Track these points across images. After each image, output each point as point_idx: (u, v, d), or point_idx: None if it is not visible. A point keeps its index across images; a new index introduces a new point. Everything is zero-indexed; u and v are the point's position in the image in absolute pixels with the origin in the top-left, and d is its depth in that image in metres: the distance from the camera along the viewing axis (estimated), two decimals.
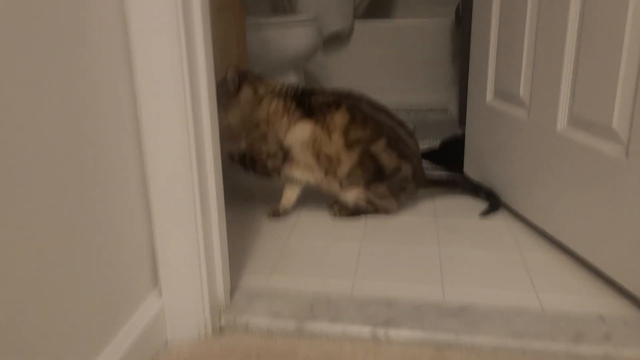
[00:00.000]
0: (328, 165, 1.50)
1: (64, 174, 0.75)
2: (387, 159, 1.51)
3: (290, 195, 1.60)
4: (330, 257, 1.36)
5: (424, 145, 2.15)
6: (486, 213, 1.58)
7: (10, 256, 0.66)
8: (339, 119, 1.47)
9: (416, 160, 1.58)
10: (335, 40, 2.92)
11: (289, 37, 2.29)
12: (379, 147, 1.50)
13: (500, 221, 1.54)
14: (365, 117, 1.49)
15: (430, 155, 2.04)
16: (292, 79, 2.41)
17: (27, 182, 0.68)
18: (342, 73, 2.97)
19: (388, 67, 2.91)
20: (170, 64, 0.90)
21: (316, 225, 1.54)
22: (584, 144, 1.23)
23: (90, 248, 0.82)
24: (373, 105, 1.55)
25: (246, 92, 1.49)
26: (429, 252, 1.37)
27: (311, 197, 1.66)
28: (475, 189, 1.69)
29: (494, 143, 1.64)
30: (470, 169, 1.83)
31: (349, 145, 1.48)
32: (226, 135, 1.48)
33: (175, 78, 0.91)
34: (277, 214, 1.59)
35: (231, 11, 1.76)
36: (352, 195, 1.54)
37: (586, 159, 1.22)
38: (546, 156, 1.38)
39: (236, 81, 1.48)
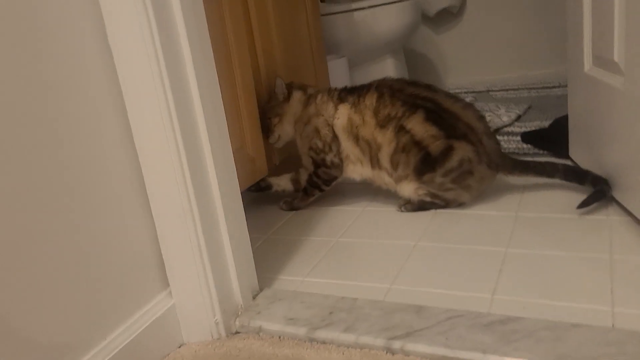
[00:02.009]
0: (369, 151, 1.42)
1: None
2: (430, 139, 1.35)
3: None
4: (378, 257, 1.24)
5: (533, 126, 1.88)
6: (587, 203, 1.28)
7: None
8: (369, 99, 1.43)
9: (480, 137, 1.36)
10: (446, 17, 2.71)
11: (381, 18, 2.16)
12: (416, 122, 1.36)
13: (599, 216, 1.27)
14: (393, 91, 1.40)
15: (532, 137, 1.75)
16: (390, 65, 2.28)
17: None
18: (455, 52, 2.73)
19: (506, 42, 2.61)
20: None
21: (377, 221, 1.42)
22: None
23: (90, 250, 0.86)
24: (410, 82, 1.45)
25: (296, 94, 1.54)
26: (491, 253, 1.18)
27: (382, 191, 1.55)
28: (580, 176, 1.36)
29: (596, 119, 1.36)
30: (576, 153, 1.55)
31: (381, 124, 1.40)
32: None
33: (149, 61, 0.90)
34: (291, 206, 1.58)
35: (301, 3, 1.71)
36: (409, 190, 1.41)
37: None
38: None
39: (284, 89, 1.53)
